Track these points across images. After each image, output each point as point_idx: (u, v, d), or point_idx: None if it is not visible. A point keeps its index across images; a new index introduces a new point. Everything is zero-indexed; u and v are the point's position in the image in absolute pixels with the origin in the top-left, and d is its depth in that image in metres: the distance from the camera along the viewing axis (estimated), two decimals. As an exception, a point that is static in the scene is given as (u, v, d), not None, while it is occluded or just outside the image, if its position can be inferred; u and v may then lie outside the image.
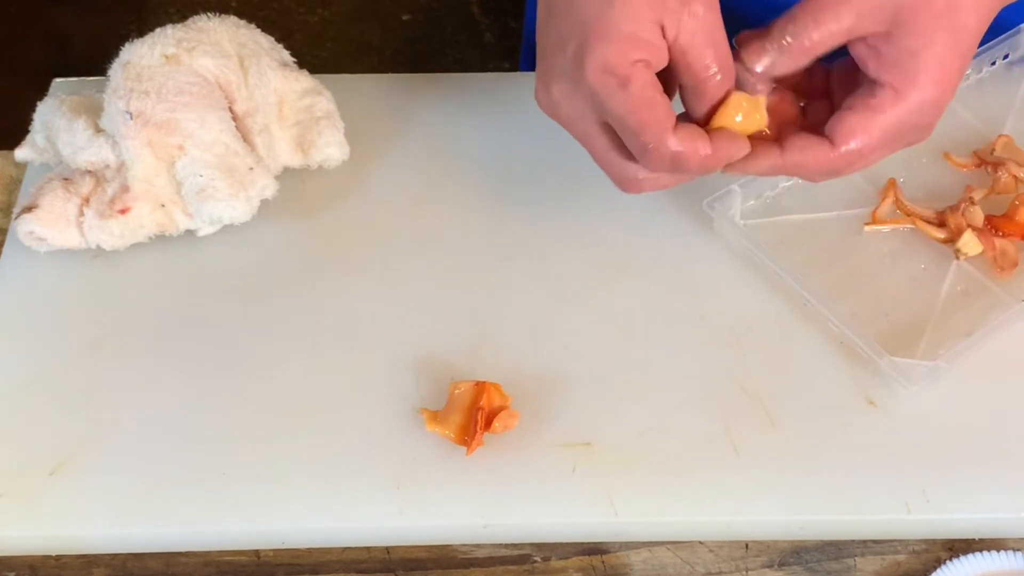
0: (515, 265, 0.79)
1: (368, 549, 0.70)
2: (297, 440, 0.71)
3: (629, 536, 0.69)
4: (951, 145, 0.84)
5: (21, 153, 0.82)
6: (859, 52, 0.67)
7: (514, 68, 2.08)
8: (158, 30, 0.80)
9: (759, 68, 0.67)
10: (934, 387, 0.72)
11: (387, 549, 0.70)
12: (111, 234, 0.77)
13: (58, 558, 0.70)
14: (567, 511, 0.68)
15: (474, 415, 0.70)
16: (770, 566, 0.69)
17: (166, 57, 0.78)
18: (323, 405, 0.72)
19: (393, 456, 0.70)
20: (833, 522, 0.69)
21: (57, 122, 0.79)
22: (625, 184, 0.69)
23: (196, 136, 0.77)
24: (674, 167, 0.66)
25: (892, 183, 0.81)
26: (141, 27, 2.17)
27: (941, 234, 0.78)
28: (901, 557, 0.69)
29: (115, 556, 0.70)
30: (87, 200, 0.78)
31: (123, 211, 0.77)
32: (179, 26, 0.80)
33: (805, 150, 0.68)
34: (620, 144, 0.67)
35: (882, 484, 0.69)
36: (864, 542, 0.70)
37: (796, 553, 0.69)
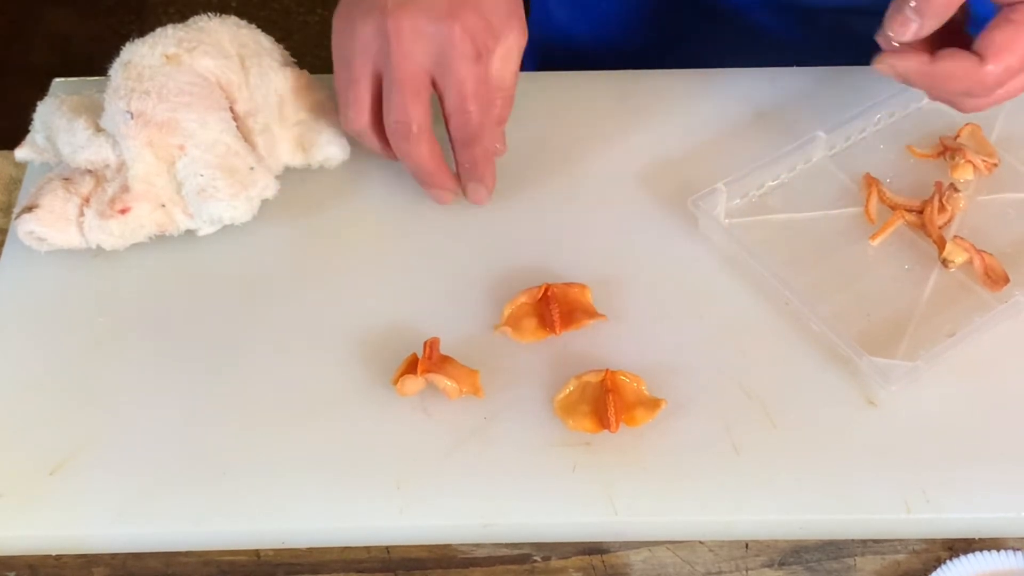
0: (512, 265, 0.79)
1: (368, 549, 0.70)
2: (297, 440, 0.71)
3: (629, 536, 0.69)
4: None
5: (21, 153, 0.82)
6: None
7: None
8: (159, 30, 0.80)
9: (907, 37, 0.71)
10: (934, 387, 0.72)
11: (387, 549, 0.70)
12: (111, 234, 0.77)
13: (58, 558, 0.70)
14: (567, 511, 0.68)
15: (605, 404, 0.70)
16: (770, 566, 0.69)
17: (167, 57, 0.78)
18: (323, 405, 0.72)
19: (393, 455, 0.70)
20: (833, 522, 0.69)
21: (57, 122, 0.79)
22: (405, 131, 0.76)
23: (197, 136, 0.77)
24: (475, 135, 0.77)
25: (869, 178, 0.80)
26: (141, 27, 2.17)
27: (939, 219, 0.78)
28: (901, 557, 0.69)
29: (115, 556, 0.70)
30: (87, 200, 0.78)
31: (123, 211, 0.77)
32: (180, 26, 0.80)
33: (955, 58, 0.71)
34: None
35: (882, 484, 0.69)
36: (864, 542, 0.70)
37: (796, 553, 0.69)
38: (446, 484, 0.69)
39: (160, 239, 0.79)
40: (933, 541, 0.70)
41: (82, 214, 0.77)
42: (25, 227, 0.77)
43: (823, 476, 0.69)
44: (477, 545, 0.70)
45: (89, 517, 0.69)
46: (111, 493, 0.69)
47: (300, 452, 0.71)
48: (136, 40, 0.79)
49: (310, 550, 0.70)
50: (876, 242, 0.79)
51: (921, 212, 0.79)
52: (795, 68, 0.89)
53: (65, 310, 0.77)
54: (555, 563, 0.69)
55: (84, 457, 0.71)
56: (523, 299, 0.76)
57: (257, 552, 0.70)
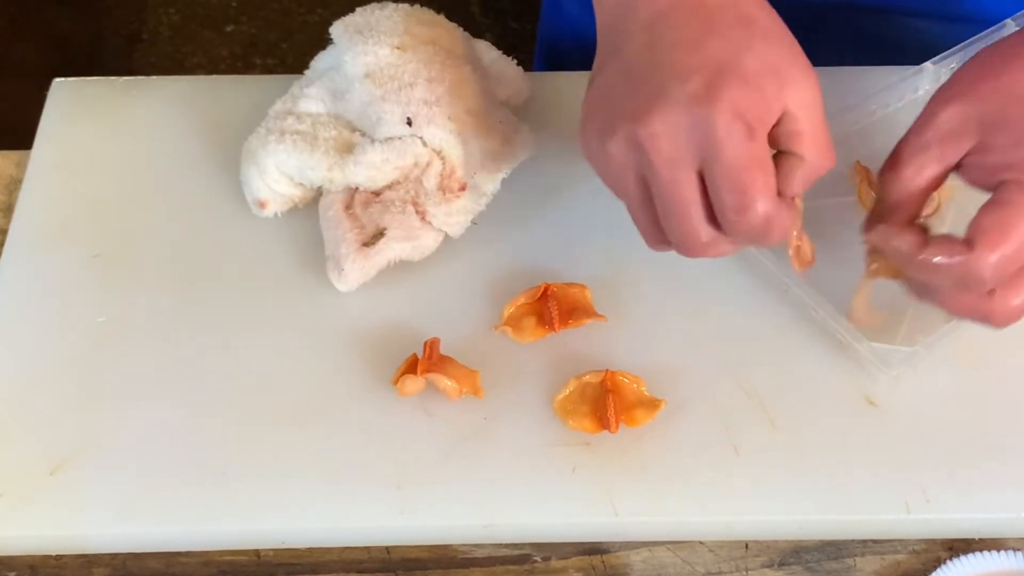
0: (512, 265, 0.79)
1: (368, 549, 0.70)
2: (297, 440, 0.71)
3: (629, 536, 0.69)
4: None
5: (268, 211, 0.80)
6: (966, 176, 0.66)
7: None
8: (353, 34, 0.79)
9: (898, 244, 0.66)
10: (934, 387, 0.72)
11: (387, 549, 0.70)
12: (463, 211, 0.78)
13: (58, 558, 0.70)
14: (567, 511, 0.68)
15: (605, 404, 0.70)
16: (770, 566, 0.69)
17: (397, 48, 0.78)
18: (323, 405, 0.72)
19: (393, 456, 0.70)
20: (833, 522, 0.69)
21: (306, 160, 0.77)
22: (692, 244, 0.65)
23: (467, 91, 0.78)
24: (762, 233, 0.63)
25: (859, 166, 0.80)
26: (141, 27, 2.17)
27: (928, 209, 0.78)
28: (901, 557, 0.69)
29: (115, 556, 0.70)
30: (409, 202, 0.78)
31: (462, 188, 0.77)
32: (363, 22, 0.80)
33: (949, 245, 0.64)
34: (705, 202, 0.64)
35: (882, 484, 0.69)
36: (864, 542, 0.70)
37: (796, 553, 0.69)
38: (446, 484, 0.69)
39: (157, 239, 0.80)
40: (933, 541, 0.70)
41: (417, 212, 0.77)
42: (392, 254, 0.76)
43: (823, 476, 0.69)
44: (477, 545, 0.70)
45: (89, 517, 0.69)
46: (111, 493, 0.69)
47: (300, 452, 0.71)
48: (347, 56, 0.78)
49: (310, 550, 0.70)
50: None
51: None
52: None
53: (65, 310, 0.77)
54: (555, 563, 0.69)
55: (84, 457, 0.71)
56: (523, 299, 0.76)
57: (257, 552, 0.70)
